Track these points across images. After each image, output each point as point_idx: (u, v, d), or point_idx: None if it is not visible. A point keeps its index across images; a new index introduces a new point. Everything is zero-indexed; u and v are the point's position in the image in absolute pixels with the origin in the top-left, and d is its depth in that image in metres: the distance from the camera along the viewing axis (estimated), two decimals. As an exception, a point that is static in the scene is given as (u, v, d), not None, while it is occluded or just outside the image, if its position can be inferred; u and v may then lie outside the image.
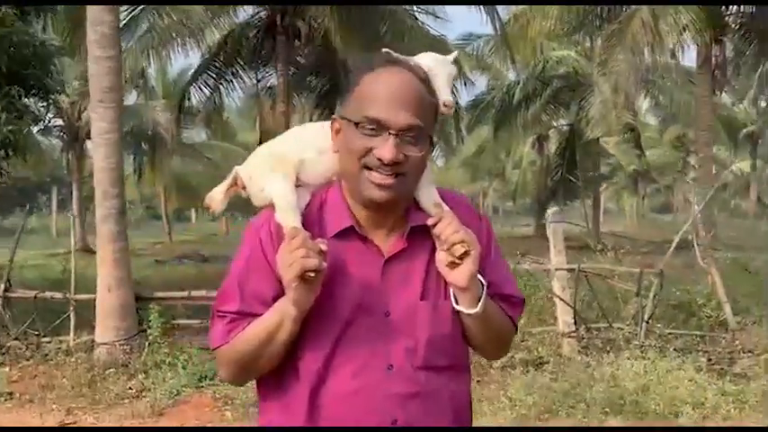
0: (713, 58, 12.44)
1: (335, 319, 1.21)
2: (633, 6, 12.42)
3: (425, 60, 1.31)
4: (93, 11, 5.90)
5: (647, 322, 5.85)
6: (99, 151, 6.02)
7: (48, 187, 33.59)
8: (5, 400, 5.12)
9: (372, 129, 1.18)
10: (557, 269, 5.92)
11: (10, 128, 6.72)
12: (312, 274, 1.12)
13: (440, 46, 12.30)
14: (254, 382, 1.34)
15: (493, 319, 1.29)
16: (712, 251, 6.34)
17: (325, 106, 14.28)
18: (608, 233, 24.04)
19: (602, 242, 8.25)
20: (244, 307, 1.24)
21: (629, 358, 5.30)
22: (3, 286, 6.51)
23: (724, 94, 20.74)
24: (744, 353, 5.53)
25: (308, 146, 1.30)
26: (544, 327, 6.18)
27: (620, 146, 27.87)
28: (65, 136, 21.86)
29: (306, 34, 12.70)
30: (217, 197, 1.37)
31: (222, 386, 5.14)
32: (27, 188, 30.65)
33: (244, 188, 1.33)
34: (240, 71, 14.20)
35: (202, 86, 14.29)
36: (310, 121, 15.15)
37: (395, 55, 1.26)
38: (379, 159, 1.17)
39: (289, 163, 1.27)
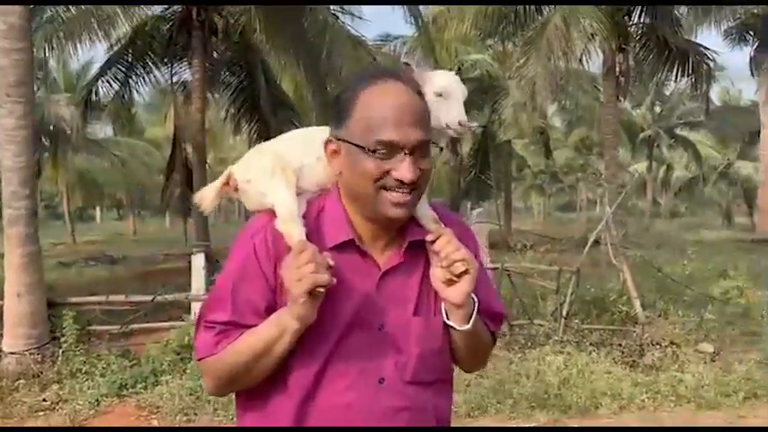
0: (617, 66, 13.12)
1: (330, 333, 1.20)
2: (546, 14, 12.96)
3: (444, 79, 1.31)
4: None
5: (566, 318, 6.12)
6: (7, 149, 5.64)
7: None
8: None
9: (386, 152, 1.16)
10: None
11: None
12: (321, 290, 1.11)
13: (359, 45, 12.37)
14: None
15: (479, 335, 1.32)
16: (624, 249, 6.71)
17: (242, 102, 14.02)
18: (518, 231, 24.97)
19: (516, 241, 8.55)
20: (235, 317, 1.21)
21: (549, 354, 5.54)
22: None
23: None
24: (652, 345, 5.89)
25: (311, 151, 1.28)
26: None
27: (529, 147, 29.02)
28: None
29: (223, 29, 12.42)
30: (208, 196, 1.33)
31: (146, 394, 4.96)
32: None
33: (236, 189, 1.29)
34: (152, 65, 13.68)
35: (111, 80, 13.67)
36: (225, 116, 14.86)
37: (388, 68, 1.26)
38: (401, 180, 1.16)
39: (290, 168, 1.25)
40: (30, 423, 4.61)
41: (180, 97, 14.41)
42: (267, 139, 1.43)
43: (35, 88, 22.01)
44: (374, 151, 1.16)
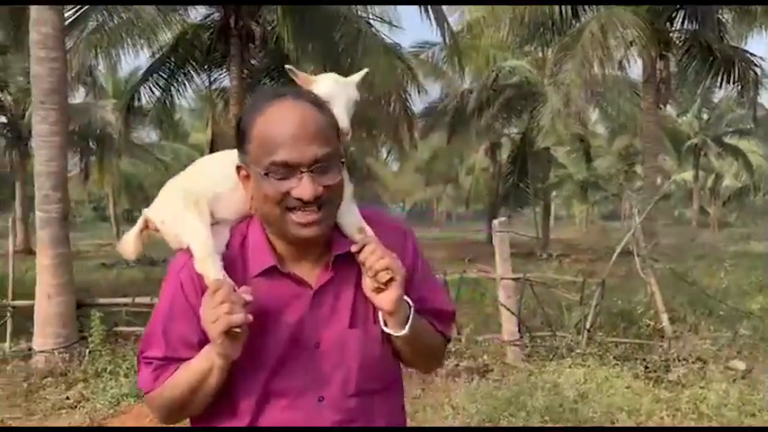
0: (658, 73, 12.84)
1: (267, 358, 1.21)
2: (584, 21, 12.77)
3: (324, 85, 1.27)
4: (36, 10, 5.74)
5: (589, 330, 6.01)
6: (41, 154, 5.85)
7: (-11, 186, 32.32)
8: (-65, 411, 4.92)
9: (283, 173, 1.14)
10: (502, 278, 6.02)
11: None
12: (238, 330, 1.11)
13: (394, 52, 12.42)
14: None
15: (422, 336, 1.31)
16: (652, 261, 6.54)
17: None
18: (556, 240, 24.63)
19: (548, 250, 8.42)
20: (169, 352, 1.23)
21: (570, 366, 5.44)
22: (-67, 292, 6.26)
23: (669, 106, 21.44)
24: (679, 361, 5.72)
25: (220, 179, 1.25)
26: (489, 335, 6.28)
27: (570, 155, 28.60)
28: (8, 134, 21.13)
29: (260, 37, 12.64)
30: (129, 242, 1.32)
31: (165, 396, 5.05)
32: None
33: (156, 230, 1.29)
34: (192, 72, 14.01)
35: (153, 87, 14.05)
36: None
37: (286, 88, 1.23)
38: (301, 200, 1.15)
39: (202, 200, 1.23)
40: (50, 421, 4.75)
41: (219, 104, 14.73)
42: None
43: (84, 95, 22.78)
44: (268, 174, 1.15)
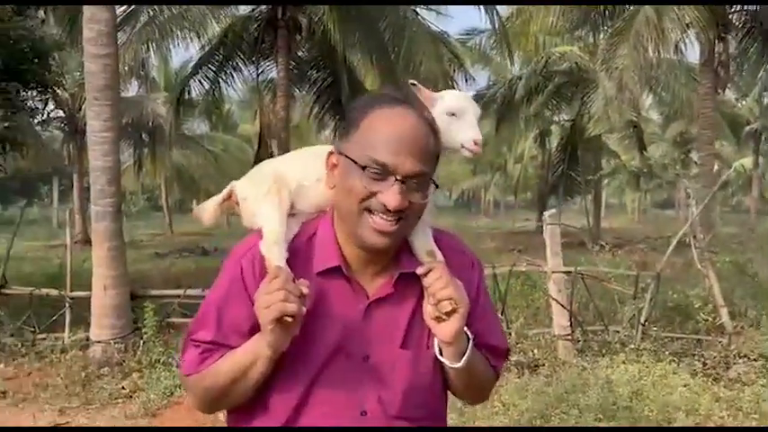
0: (716, 56, 12.34)
1: (312, 360, 1.19)
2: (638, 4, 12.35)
3: (454, 98, 1.27)
4: (89, 9, 5.86)
5: (644, 325, 5.83)
6: (95, 149, 5.99)
7: (49, 178, 33.57)
8: (0, 398, 5.12)
9: (378, 173, 1.13)
10: (553, 272, 5.89)
11: (6, 124, 6.70)
12: (290, 319, 1.08)
13: (440, 40, 12.29)
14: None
15: (476, 370, 1.27)
16: (710, 254, 6.30)
17: (326, 100, 14.26)
18: (608, 230, 24.06)
19: (599, 241, 8.22)
20: (219, 338, 1.21)
21: (624, 362, 5.29)
22: (-2, 282, 6.51)
23: (728, 90, 20.62)
24: (739, 357, 5.50)
25: (310, 171, 1.25)
26: (540, 329, 6.17)
27: (623, 142, 27.83)
28: (65, 127, 21.82)
29: (307, 28, 12.68)
30: (208, 209, 1.34)
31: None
32: (28, 179, 30.64)
33: (237, 203, 1.30)
34: (240, 64, 14.17)
35: (202, 80, 14.27)
36: (310, 112, 15.16)
37: (405, 92, 1.22)
38: (384, 205, 1.13)
39: (286, 188, 1.23)
40: (108, 410, 4.89)
41: (266, 95, 14.85)
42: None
43: (137, 88, 23.33)
44: (365, 168, 1.13)
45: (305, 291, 1.10)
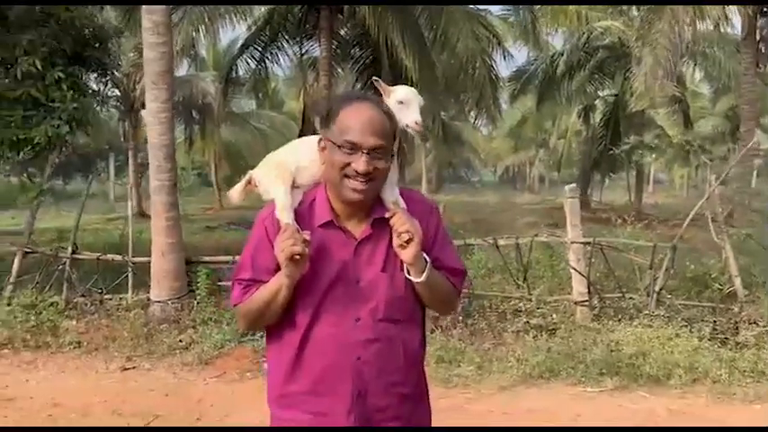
0: (757, 31, 12.26)
1: (320, 286, 1.70)
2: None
3: (402, 92, 1.78)
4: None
5: (658, 293, 6.17)
6: (153, 129, 6.62)
7: (105, 154, 35.02)
8: (75, 348, 5.87)
9: (350, 149, 1.62)
10: (572, 242, 6.28)
11: (75, 105, 7.40)
12: (298, 257, 1.60)
13: (478, 19, 12.54)
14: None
15: (437, 285, 1.76)
16: (728, 228, 6.56)
17: (367, 78, 14.67)
18: (651, 205, 23.94)
19: (622, 216, 8.50)
20: (254, 275, 1.74)
21: (636, 326, 5.66)
22: (70, 249, 7.26)
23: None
24: (749, 323, 5.80)
25: (303, 156, 1.77)
26: (560, 296, 6.57)
27: (671, 116, 27.40)
28: (121, 106, 22.82)
29: (348, 8, 13.09)
30: (235, 193, 1.88)
31: (261, 341, 5.76)
32: (87, 155, 32.06)
33: (256, 186, 1.82)
34: (285, 44, 14.69)
35: (249, 59, 14.88)
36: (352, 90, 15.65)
37: (363, 93, 1.73)
38: (356, 171, 1.62)
39: (287, 171, 1.75)
40: (167, 359, 5.57)
41: (310, 74, 15.36)
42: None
43: (187, 68, 24.08)
44: (340, 147, 1.63)
45: (307, 237, 1.63)
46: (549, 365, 4.98)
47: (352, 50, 14.78)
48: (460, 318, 6.11)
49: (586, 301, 6.21)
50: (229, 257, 7.23)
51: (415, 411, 1.83)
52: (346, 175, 1.64)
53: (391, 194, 1.74)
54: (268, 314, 1.72)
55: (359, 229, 1.73)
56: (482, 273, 7.21)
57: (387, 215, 1.70)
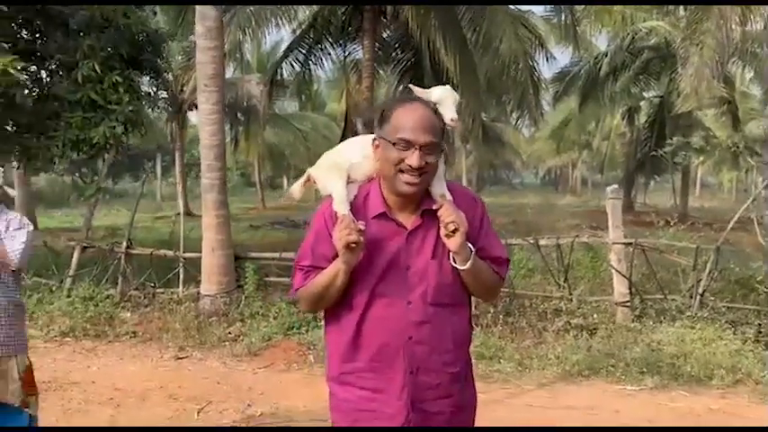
0: (809, 30, 11.96)
1: (374, 273, 1.85)
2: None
3: (437, 92, 1.91)
4: (200, 6, 6.73)
5: (701, 295, 6.15)
6: (205, 130, 6.90)
7: (153, 155, 35.99)
8: (131, 337, 6.18)
9: (404, 146, 1.77)
10: (613, 243, 6.31)
11: (131, 108, 7.74)
12: (354, 245, 1.76)
13: (520, 21, 12.55)
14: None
15: (481, 272, 1.90)
16: (775, 230, 6.49)
17: (409, 80, 14.80)
18: (697, 208, 23.46)
19: (665, 218, 8.43)
20: (314, 263, 1.90)
21: (678, 327, 5.67)
22: (125, 244, 7.60)
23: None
24: (796, 327, 5.75)
25: (357, 154, 1.93)
26: (601, 296, 6.59)
27: (719, 119, 26.81)
28: (169, 108, 23.45)
29: (391, 10, 13.25)
30: (296, 189, 2.06)
31: (306, 334, 5.98)
32: (135, 156, 33.04)
33: (314, 183, 1.99)
34: (328, 47, 14.92)
35: (293, 62, 15.16)
36: (395, 92, 15.83)
37: (414, 93, 1.88)
38: (410, 166, 1.78)
39: (343, 167, 1.91)
40: (218, 349, 5.82)
41: (353, 76, 15.58)
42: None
43: (232, 70, 24.57)
44: (395, 144, 1.78)
45: (361, 227, 1.78)
46: (589, 363, 5.05)
47: (395, 52, 14.92)
48: (501, 316, 6.20)
49: (628, 301, 6.23)
50: (275, 254, 7.48)
51: (464, 391, 1.96)
52: (401, 170, 1.79)
53: (439, 188, 1.88)
54: (326, 297, 1.88)
55: (409, 220, 1.87)
56: (522, 273, 7.28)
57: (435, 207, 1.84)
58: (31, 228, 3.10)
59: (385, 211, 1.87)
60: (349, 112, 14.65)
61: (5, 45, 6.98)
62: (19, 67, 6.57)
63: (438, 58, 14.05)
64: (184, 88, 21.33)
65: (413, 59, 14.40)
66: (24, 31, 8.16)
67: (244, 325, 6.32)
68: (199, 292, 7.06)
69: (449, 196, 1.87)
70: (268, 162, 32.84)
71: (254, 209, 27.21)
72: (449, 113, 1.88)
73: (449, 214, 1.79)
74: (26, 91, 8.06)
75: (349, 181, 1.90)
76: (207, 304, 6.85)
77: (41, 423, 3.16)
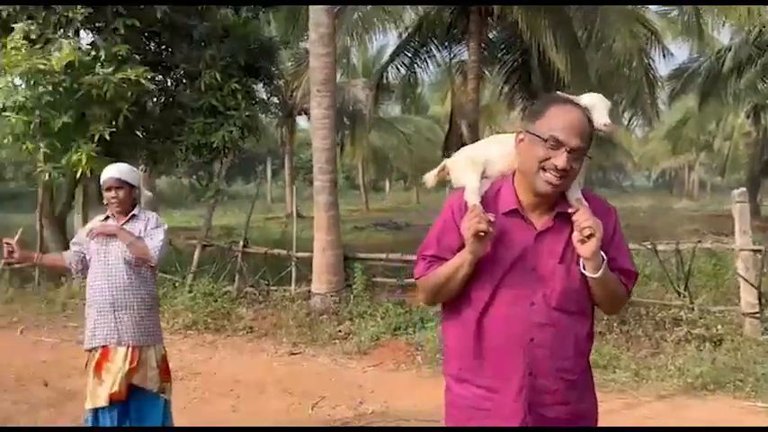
0: None
1: (499, 268, 1.83)
2: None
3: (588, 98, 1.90)
4: (314, 14, 6.97)
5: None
6: (317, 134, 7.12)
7: (263, 158, 37.52)
8: (248, 332, 6.49)
9: (554, 145, 1.73)
10: (741, 249, 5.91)
11: (247, 113, 8.12)
12: (483, 234, 1.75)
13: (635, 17, 12.03)
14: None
15: (610, 283, 1.84)
16: None
17: (516, 81, 14.59)
18: (834, 214, 21.49)
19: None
20: (438, 253, 1.91)
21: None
22: (242, 243, 7.98)
23: None
24: None
25: (494, 151, 1.95)
26: (727, 306, 6.19)
27: None
28: (279, 112, 24.38)
29: (498, 11, 13.10)
30: (430, 178, 2.12)
31: (414, 335, 6.02)
32: (247, 159, 34.57)
33: (448, 174, 2.02)
34: (434, 49, 14.96)
35: (399, 65, 15.32)
36: (500, 92, 15.68)
37: (571, 96, 1.86)
38: (555, 166, 1.74)
39: (478, 162, 1.93)
40: (329, 347, 5.98)
41: (457, 78, 15.54)
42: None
43: (338, 75, 25.28)
44: (547, 140, 1.75)
45: (491, 219, 1.78)
46: (715, 377, 4.75)
47: (501, 53, 14.74)
48: (615, 324, 5.97)
49: (757, 312, 5.81)
50: (382, 255, 7.60)
51: (583, 398, 1.92)
52: (543, 168, 1.76)
53: (575, 192, 1.85)
54: (447, 288, 1.88)
55: (540, 220, 1.85)
56: (639, 279, 6.95)
57: (570, 210, 1.80)
58: (166, 227, 3.33)
59: (517, 208, 1.84)
60: (454, 113, 14.61)
61: (137, 57, 7.50)
62: (149, 77, 7.07)
63: (547, 57, 13.73)
64: (294, 94, 22.14)
65: (520, 60, 14.17)
66: (152, 44, 8.76)
67: (353, 324, 6.46)
68: (310, 291, 7.29)
69: (584, 202, 1.83)
70: (372, 165, 33.35)
71: (358, 211, 27.72)
72: (602, 118, 1.86)
73: (585, 219, 1.75)
74: (154, 99, 8.65)
75: (483, 176, 1.91)
76: (318, 302, 7.06)
77: (172, 409, 3.38)
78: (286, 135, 24.80)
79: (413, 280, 7.31)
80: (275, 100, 23.16)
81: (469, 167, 1.92)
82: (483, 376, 1.86)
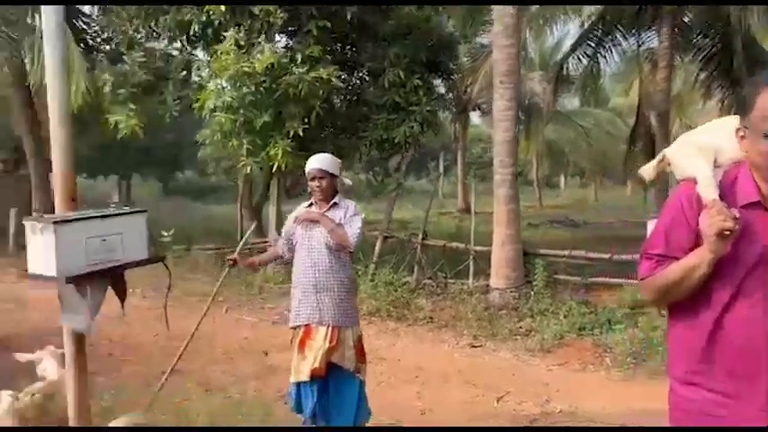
0: None
1: (741, 266, 1.66)
2: None
3: None
4: (498, 6, 6.89)
5: None
6: (499, 126, 7.05)
7: (436, 154, 37.94)
8: (427, 322, 6.61)
9: None
10: None
11: (428, 108, 8.26)
12: (727, 233, 1.59)
13: None
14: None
15: None
16: None
17: (714, 68, 13.35)
18: None
19: None
20: (667, 251, 1.76)
21: None
22: (421, 236, 8.15)
23: None
24: None
25: (723, 137, 1.75)
26: None
27: None
28: (453, 108, 24.50)
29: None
30: (649, 170, 1.95)
31: (601, 336, 5.75)
32: (420, 155, 35.22)
33: (668, 164, 1.87)
34: (620, 37, 14.15)
35: (580, 56, 14.68)
36: (695, 81, 14.41)
37: None
38: None
39: (708, 150, 1.75)
40: (509, 342, 5.90)
41: (645, 66, 14.56)
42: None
43: (515, 69, 24.83)
44: (765, 136, 1.57)
45: (736, 215, 1.61)
46: None
47: (696, 38, 13.56)
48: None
49: None
50: (565, 252, 7.35)
51: None
52: None
53: None
54: (680, 289, 1.73)
55: None
56: None
57: None
58: (363, 215, 3.48)
59: (759, 200, 1.66)
60: (641, 104, 13.71)
61: (328, 57, 7.93)
62: (338, 76, 7.45)
63: (753, 41, 12.41)
64: (468, 89, 22.11)
65: (719, 44, 12.93)
66: (339, 44, 9.22)
67: (534, 321, 6.32)
68: (488, 285, 7.25)
69: None
70: (546, 160, 32.31)
71: (532, 207, 27.01)
72: None
73: None
74: (342, 97, 9.10)
75: (714, 165, 1.73)
76: (496, 297, 7.00)
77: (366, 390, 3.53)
78: (459, 130, 24.87)
79: (598, 279, 7.08)
80: (451, 95, 23.49)
81: (699, 157, 1.73)
82: (717, 381, 1.70)
